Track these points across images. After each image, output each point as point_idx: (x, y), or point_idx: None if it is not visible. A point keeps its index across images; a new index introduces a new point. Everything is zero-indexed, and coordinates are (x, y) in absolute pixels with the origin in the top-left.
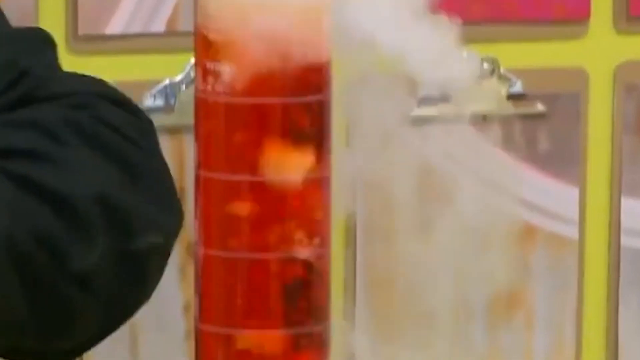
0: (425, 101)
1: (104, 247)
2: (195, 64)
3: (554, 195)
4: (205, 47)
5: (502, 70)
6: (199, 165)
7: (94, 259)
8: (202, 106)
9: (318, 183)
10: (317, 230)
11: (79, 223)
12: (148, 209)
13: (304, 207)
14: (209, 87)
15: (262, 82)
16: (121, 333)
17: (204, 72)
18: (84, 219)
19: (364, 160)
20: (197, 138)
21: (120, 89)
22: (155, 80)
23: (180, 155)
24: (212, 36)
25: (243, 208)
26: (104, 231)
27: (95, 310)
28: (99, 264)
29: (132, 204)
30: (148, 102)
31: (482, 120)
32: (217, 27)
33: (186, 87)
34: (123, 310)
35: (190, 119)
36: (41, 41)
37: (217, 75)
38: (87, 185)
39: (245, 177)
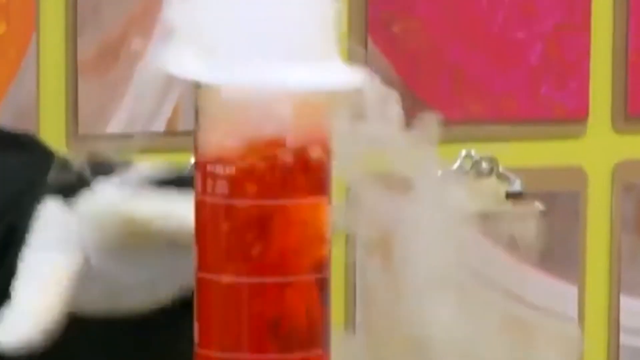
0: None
1: None
2: (195, 167)
3: (553, 294)
4: (205, 149)
5: (501, 169)
6: (199, 267)
7: None
8: (201, 209)
9: (321, 284)
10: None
11: None
12: None
13: (306, 305)
14: (209, 190)
15: (262, 183)
16: None
17: (203, 174)
18: None
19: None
20: (197, 240)
21: None
22: None
23: None
24: (211, 138)
25: (243, 309)
26: None
27: None
28: None
29: None
30: None
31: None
32: (216, 129)
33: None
34: None
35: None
36: None
37: (216, 177)
38: None
39: (244, 279)
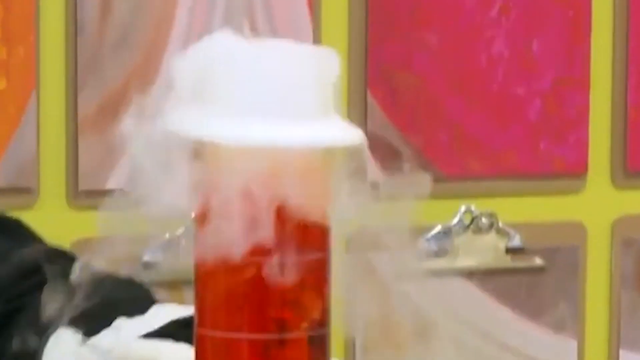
0: (423, 255)
1: None
2: (195, 223)
3: (553, 349)
4: (205, 210)
5: (500, 224)
6: (198, 323)
7: None
8: (201, 268)
9: (320, 340)
10: None
11: None
12: None
13: None
14: (209, 249)
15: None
16: None
17: (203, 232)
18: None
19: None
20: (197, 297)
21: (120, 244)
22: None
23: None
24: (210, 194)
25: None
26: None
27: None
28: None
29: None
30: (147, 257)
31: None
32: (215, 186)
33: (187, 241)
34: None
35: (190, 273)
36: None
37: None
38: None
39: (244, 336)
